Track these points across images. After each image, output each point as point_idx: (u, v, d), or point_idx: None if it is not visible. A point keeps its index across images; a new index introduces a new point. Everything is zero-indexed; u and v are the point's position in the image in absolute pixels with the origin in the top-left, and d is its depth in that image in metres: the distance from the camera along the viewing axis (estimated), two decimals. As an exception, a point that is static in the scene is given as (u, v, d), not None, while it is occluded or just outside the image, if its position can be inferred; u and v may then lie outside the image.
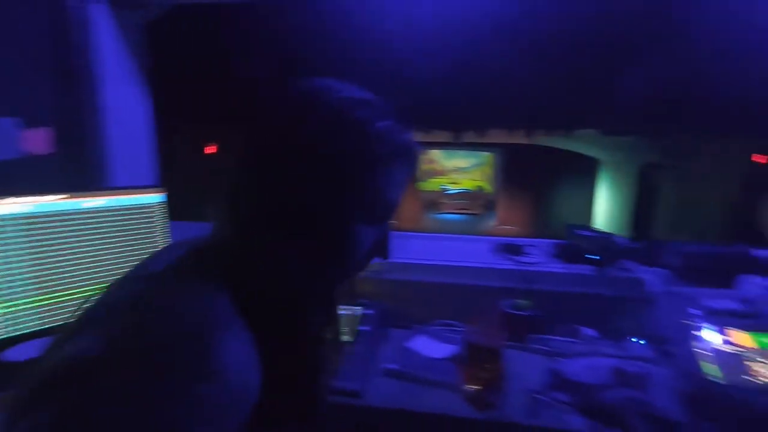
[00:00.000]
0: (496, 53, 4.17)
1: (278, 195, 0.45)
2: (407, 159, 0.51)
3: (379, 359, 1.20)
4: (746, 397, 0.92)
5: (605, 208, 13.65)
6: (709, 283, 1.11)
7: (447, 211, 15.36)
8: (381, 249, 0.54)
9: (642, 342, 1.23)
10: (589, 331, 1.30)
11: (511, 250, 1.54)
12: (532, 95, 5.65)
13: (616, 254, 1.39)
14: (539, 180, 15.76)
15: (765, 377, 0.93)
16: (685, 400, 0.98)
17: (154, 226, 1.20)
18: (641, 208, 13.53)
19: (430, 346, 1.27)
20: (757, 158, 8.31)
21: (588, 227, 1.56)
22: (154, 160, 1.65)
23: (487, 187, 16.82)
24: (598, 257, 1.39)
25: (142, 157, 1.61)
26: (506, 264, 1.45)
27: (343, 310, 1.34)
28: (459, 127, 9.00)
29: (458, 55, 4.47)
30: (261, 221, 0.46)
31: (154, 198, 1.21)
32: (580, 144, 12.18)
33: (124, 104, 1.51)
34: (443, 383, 1.09)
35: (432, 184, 17.06)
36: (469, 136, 10.09)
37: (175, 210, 1.26)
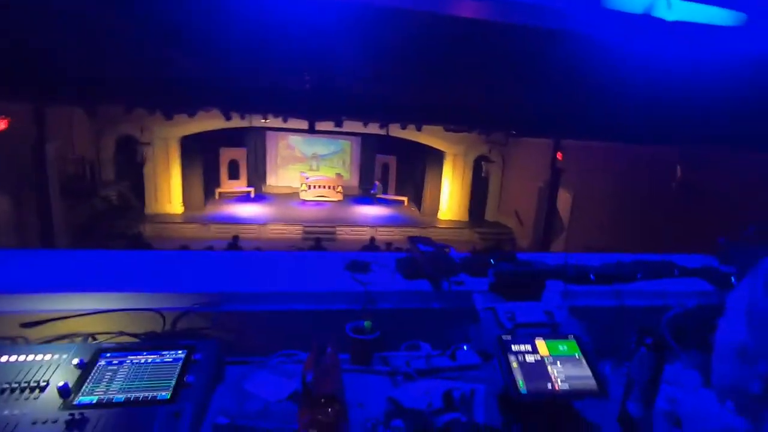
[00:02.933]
0: (352, 54, 4.23)
1: None
2: None
3: (210, 412, 1.06)
4: (547, 401, 1.07)
5: (450, 192, 15.23)
6: (520, 297, 1.26)
7: (307, 198, 15.22)
8: None
9: (468, 349, 1.35)
10: (427, 346, 1.37)
11: (358, 267, 1.53)
12: (386, 93, 5.88)
13: (451, 268, 1.49)
14: (397, 167, 16.68)
15: (560, 381, 1.09)
16: (501, 408, 1.10)
17: None
18: (476, 193, 15.51)
19: (269, 385, 1.17)
20: (558, 155, 10.26)
21: (428, 241, 1.64)
22: None
23: (346, 173, 17.18)
24: (434, 272, 1.47)
25: None
26: (349, 286, 1.43)
27: (165, 357, 1.14)
28: (317, 116, 8.89)
29: (321, 52, 4.42)
30: None
31: None
32: (428, 137, 13.30)
33: None
34: (280, 431, 1.01)
35: (292, 171, 16.66)
36: (328, 126, 10.08)
37: None
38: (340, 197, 15.69)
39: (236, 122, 10.67)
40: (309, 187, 15.42)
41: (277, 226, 12.57)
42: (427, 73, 4.98)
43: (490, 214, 14.97)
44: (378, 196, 15.73)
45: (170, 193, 12.54)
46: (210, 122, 11.49)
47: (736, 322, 1.17)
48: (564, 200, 10.56)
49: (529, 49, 3.07)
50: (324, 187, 15.57)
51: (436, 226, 13.85)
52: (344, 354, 1.32)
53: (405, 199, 16.07)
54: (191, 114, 8.97)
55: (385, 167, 16.69)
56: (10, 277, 1.33)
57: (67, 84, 5.91)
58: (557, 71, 3.91)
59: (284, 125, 11.70)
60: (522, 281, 1.28)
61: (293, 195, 15.57)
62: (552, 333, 1.20)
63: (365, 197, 16.02)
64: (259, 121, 11.74)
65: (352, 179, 16.98)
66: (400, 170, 16.66)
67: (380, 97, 6.09)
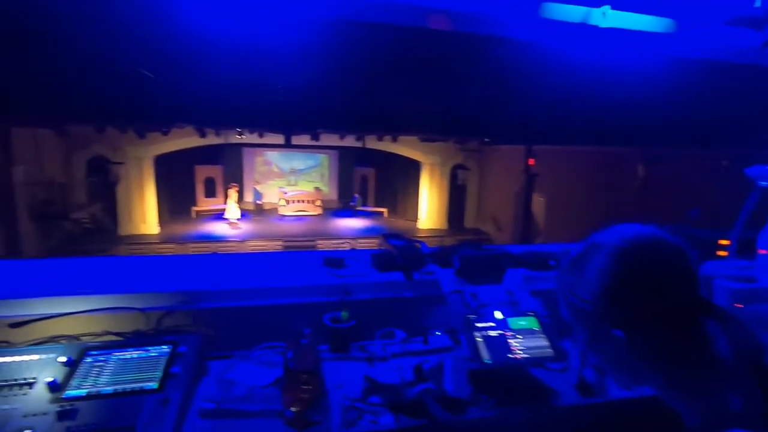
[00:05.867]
0: (325, 67, 4.36)
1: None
2: None
3: (195, 400, 1.12)
4: (508, 371, 1.18)
5: (429, 201, 15.41)
6: (483, 280, 1.37)
7: (286, 213, 15.17)
8: None
9: (440, 334, 1.44)
10: (402, 332, 1.46)
11: (333, 263, 1.62)
12: (360, 105, 6.03)
13: (422, 259, 1.59)
14: (375, 179, 16.79)
15: (518, 352, 1.20)
16: (468, 379, 1.19)
17: None
18: (454, 202, 15.71)
19: (252, 374, 1.24)
20: (530, 161, 10.59)
21: (399, 236, 1.74)
22: None
23: (324, 187, 17.21)
24: (406, 263, 1.57)
25: None
26: (325, 280, 1.51)
27: (150, 352, 1.20)
28: (294, 130, 8.97)
29: (294, 66, 4.54)
30: None
31: None
32: (404, 148, 13.52)
33: None
34: (264, 412, 1.08)
35: (271, 187, 16.57)
36: (304, 140, 10.16)
37: None
38: (319, 211, 15.70)
39: (211, 139, 10.63)
40: (288, 202, 15.39)
41: (257, 242, 12.47)
42: (399, 84, 5.15)
43: (469, 221, 15.22)
44: (357, 208, 15.80)
45: (145, 213, 12.31)
46: (185, 140, 11.41)
47: None
48: (539, 204, 10.88)
49: (490, 60, 3.26)
50: (303, 201, 15.57)
51: (417, 235, 13.98)
52: (324, 345, 1.40)
53: (385, 210, 16.18)
54: (165, 132, 8.90)
55: (364, 179, 16.81)
56: (-8, 286, 1.36)
57: (33, 104, 5.84)
58: (522, 81, 4.13)
59: (261, 140, 11.70)
60: (485, 265, 1.39)
61: (272, 211, 15.48)
62: (513, 310, 1.31)
63: (345, 210, 16.06)
64: (235, 138, 11.72)
65: (331, 193, 17.02)
66: (378, 182, 16.80)
67: (354, 110, 6.23)
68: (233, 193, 13.42)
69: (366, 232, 13.98)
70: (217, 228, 13.60)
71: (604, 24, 1.73)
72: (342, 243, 12.80)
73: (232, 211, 13.36)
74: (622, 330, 0.65)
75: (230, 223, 13.25)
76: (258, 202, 15.01)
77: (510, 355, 1.19)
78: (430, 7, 2.05)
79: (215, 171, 15.16)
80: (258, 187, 15.40)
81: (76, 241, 10.10)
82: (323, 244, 12.83)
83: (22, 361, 1.12)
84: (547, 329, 1.27)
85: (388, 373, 1.18)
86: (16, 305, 1.26)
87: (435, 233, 14.50)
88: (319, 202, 15.84)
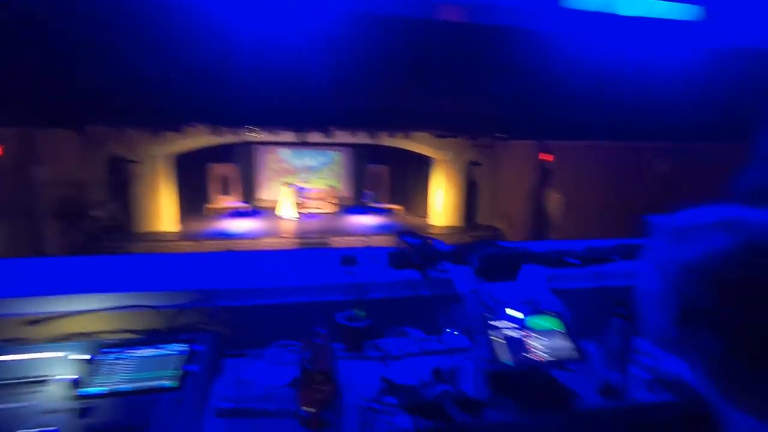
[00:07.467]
0: (337, 64, 4.34)
1: None
2: None
3: (212, 399, 1.12)
4: (528, 372, 1.14)
5: (443, 198, 15.32)
6: (501, 278, 1.34)
7: (302, 211, 15.26)
8: None
9: (456, 333, 1.42)
10: (416, 331, 1.44)
11: (348, 261, 1.60)
12: (373, 102, 6.00)
13: (436, 257, 1.56)
14: (389, 176, 16.76)
15: (539, 353, 1.17)
16: (487, 381, 1.16)
17: None
18: (469, 198, 15.57)
19: (267, 373, 1.23)
20: (543, 156, 10.45)
21: (414, 234, 1.72)
22: None
23: (337, 185, 17.25)
24: (422, 262, 1.54)
25: None
26: (340, 278, 1.50)
27: (166, 350, 1.20)
28: (306, 127, 8.99)
29: (307, 64, 4.53)
30: None
31: None
32: (417, 145, 13.44)
33: None
34: (279, 412, 1.07)
35: (284, 184, 16.66)
36: (316, 137, 10.18)
37: None
38: (334, 208, 15.74)
39: (226, 138, 10.72)
40: (303, 199, 15.46)
41: (272, 240, 12.57)
42: (412, 79, 5.11)
43: (482, 218, 15.08)
44: (371, 205, 15.80)
45: (161, 210, 12.51)
46: (199, 138, 11.54)
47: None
48: (555, 200, 10.72)
49: (505, 52, 3.19)
50: (317, 198, 15.62)
51: (430, 232, 13.91)
52: (339, 344, 1.38)
53: (398, 207, 16.15)
54: (178, 130, 9.01)
55: (378, 176, 16.77)
56: (12, 282, 1.38)
57: (53, 104, 5.95)
58: (539, 74, 4.04)
59: (273, 138, 11.77)
60: (504, 264, 1.36)
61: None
62: (533, 310, 1.28)
63: (359, 207, 16.07)
64: (249, 136, 11.82)
65: (345, 190, 17.04)
66: (392, 179, 16.75)
67: (367, 106, 6.20)
68: (288, 191, 13.43)
69: (380, 229, 13.97)
70: (232, 225, 13.76)
71: (626, 12, 1.66)
72: (357, 240, 12.82)
73: (286, 209, 13.35)
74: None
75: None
76: (301, 199, 14.87)
77: (530, 356, 1.15)
78: (443, -1, 2.01)
79: (229, 168, 15.31)
80: (300, 184, 15.43)
81: (94, 239, 10.32)
82: (338, 242, 12.87)
83: (42, 358, 1.13)
84: (569, 329, 1.23)
85: (404, 373, 1.16)
86: (36, 302, 1.28)
87: (449, 230, 14.41)
88: (334, 200, 15.88)
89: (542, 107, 5.26)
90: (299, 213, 14.50)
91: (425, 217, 15.11)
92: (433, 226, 14.80)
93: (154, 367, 1.15)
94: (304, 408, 1.05)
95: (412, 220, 15.39)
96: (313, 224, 14.24)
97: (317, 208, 15.47)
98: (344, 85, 5.34)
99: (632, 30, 1.81)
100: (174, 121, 8.29)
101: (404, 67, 4.71)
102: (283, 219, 13.43)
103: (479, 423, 1.06)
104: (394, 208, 16.15)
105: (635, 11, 1.71)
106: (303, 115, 6.52)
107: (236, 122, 7.89)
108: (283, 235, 12.96)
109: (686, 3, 1.76)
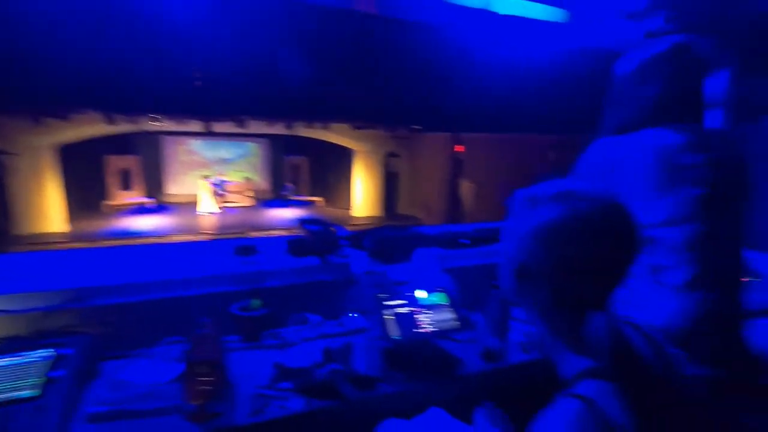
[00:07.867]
0: (247, 49, 4.13)
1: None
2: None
3: (84, 405, 1.03)
4: (416, 345, 1.22)
5: (363, 189, 15.47)
6: (395, 260, 1.40)
7: (220, 205, 14.41)
8: None
9: (356, 315, 1.46)
10: (316, 317, 1.45)
11: (245, 251, 1.56)
12: (284, 90, 5.83)
13: (336, 243, 1.58)
14: (309, 168, 16.48)
15: (427, 326, 1.25)
16: (380, 357, 1.22)
17: None
18: (389, 189, 15.91)
19: (153, 371, 1.16)
20: (457, 148, 11.01)
21: (316, 221, 1.72)
22: None
23: (255, 177, 16.56)
24: (321, 248, 1.55)
25: None
26: (237, 267, 1.46)
27: (28, 358, 1.07)
28: (214, 116, 8.46)
29: (212, 46, 4.23)
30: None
31: None
32: (336, 136, 13.37)
33: None
34: (163, 409, 1.02)
35: (201, 178, 15.62)
36: (227, 127, 9.64)
37: None
38: (252, 202, 15.10)
39: (122, 126, 9.71)
40: (218, 193, 14.59)
41: (181, 237, 11.70)
42: (326, 69, 5.05)
43: (402, 207, 15.51)
44: (291, 198, 15.43)
45: (47, 209, 11.01)
46: (90, 127, 10.31)
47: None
48: (468, 189, 11.39)
49: (412, 45, 3.29)
50: (234, 192, 14.85)
51: (351, 223, 13.98)
52: (235, 335, 1.35)
53: (319, 199, 15.97)
54: (64, 117, 7.96)
55: (298, 168, 16.42)
56: None
57: None
58: (437, 68, 4.22)
59: (179, 128, 10.90)
60: (395, 246, 1.42)
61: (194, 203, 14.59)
62: (422, 287, 1.36)
63: (278, 200, 15.61)
64: (150, 125, 10.81)
65: (263, 182, 16.42)
66: (312, 171, 16.50)
67: (279, 95, 6.01)
68: (205, 185, 12.50)
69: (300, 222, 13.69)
70: (135, 223, 12.57)
71: (503, 11, 1.81)
72: (276, 234, 12.45)
73: (207, 204, 12.40)
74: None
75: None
76: (220, 192, 13.95)
77: (418, 330, 1.23)
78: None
79: (130, 161, 13.92)
80: (221, 177, 14.43)
81: (-40, 245, 8.79)
82: (255, 236, 12.38)
83: None
84: (454, 302, 1.33)
85: (299, 357, 1.17)
86: None
87: (370, 220, 14.61)
88: (250, 193, 15.23)
89: (450, 101, 5.52)
90: (221, 207, 13.73)
91: (347, 209, 15.16)
92: (355, 216, 14.91)
93: (13, 377, 1.03)
94: (190, 401, 1.01)
95: (333, 212, 15.33)
96: (230, 219, 13.54)
97: (233, 201, 14.73)
98: (256, 72, 5.11)
99: (510, 28, 1.98)
100: (58, 108, 7.28)
101: (320, 57, 4.63)
102: (201, 215, 12.62)
103: (369, 396, 1.11)
104: (315, 201, 15.95)
105: (510, 10, 1.87)
106: (210, 103, 6.12)
107: (132, 109, 7.16)
108: (194, 231, 12.15)
109: (554, 6, 1.98)
